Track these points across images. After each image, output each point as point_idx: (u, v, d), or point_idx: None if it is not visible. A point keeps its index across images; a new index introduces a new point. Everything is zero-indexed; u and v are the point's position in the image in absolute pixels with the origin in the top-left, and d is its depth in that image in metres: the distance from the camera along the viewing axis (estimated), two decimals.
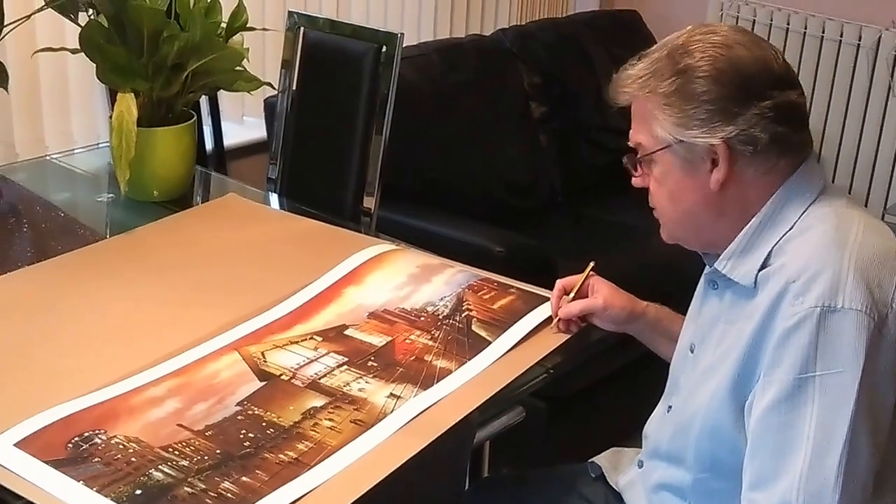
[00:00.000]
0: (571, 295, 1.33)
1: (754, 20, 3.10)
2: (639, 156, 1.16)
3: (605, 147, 2.71)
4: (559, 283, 1.35)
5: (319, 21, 1.96)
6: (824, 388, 1.01)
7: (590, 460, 1.39)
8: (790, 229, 1.10)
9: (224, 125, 2.53)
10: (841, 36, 2.95)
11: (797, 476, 1.01)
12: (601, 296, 1.32)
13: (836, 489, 1.00)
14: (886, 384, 1.03)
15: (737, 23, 3.07)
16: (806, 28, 3.01)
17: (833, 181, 3.03)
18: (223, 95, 2.52)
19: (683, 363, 1.22)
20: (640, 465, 1.28)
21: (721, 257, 1.14)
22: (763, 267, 1.09)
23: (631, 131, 1.16)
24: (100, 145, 2.06)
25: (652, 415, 1.29)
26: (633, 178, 1.19)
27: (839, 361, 1.01)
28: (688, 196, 1.12)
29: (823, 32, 2.98)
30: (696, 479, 1.17)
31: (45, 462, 1.04)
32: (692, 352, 1.20)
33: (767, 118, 1.08)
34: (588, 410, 2.20)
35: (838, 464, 1.00)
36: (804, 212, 1.10)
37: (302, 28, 1.93)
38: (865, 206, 2.97)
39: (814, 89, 3.01)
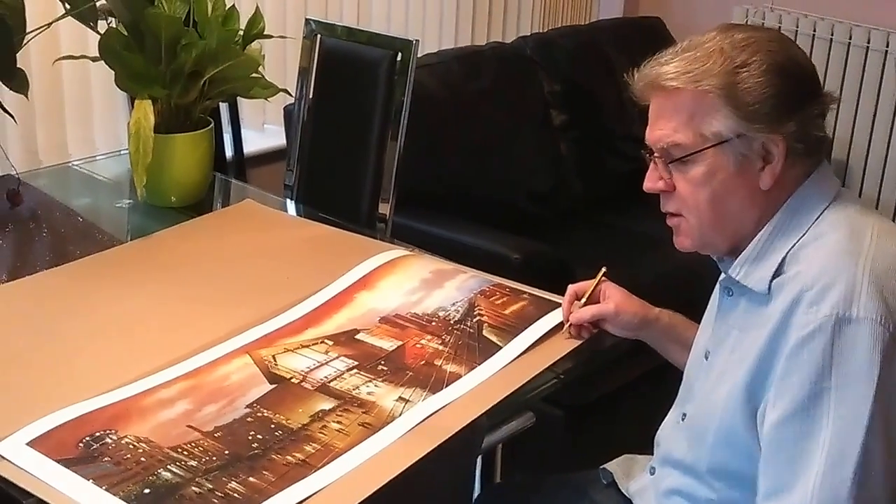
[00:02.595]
0: (583, 300, 1.33)
1: (779, 27, 3.06)
2: (679, 156, 1.09)
3: (627, 156, 2.69)
4: (571, 288, 1.34)
5: (336, 28, 1.97)
6: (839, 399, 1.00)
7: (601, 467, 1.38)
8: (803, 235, 1.08)
9: (245, 133, 2.55)
10: (868, 42, 2.91)
11: (811, 487, 1.00)
12: (613, 301, 1.31)
13: (850, 501, 0.98)
14: None
15: None
16: (832, 34, 2.97)
17: (861, 191, 2.98)
18: (244, 103, 2.54)
19: (698, 369, 1.21)
20: (652, 471, 1.27)
21: (735, 264, 1.12)
22: (777, 274, 1.08)
23: (661, 132, 1.10)
24: (121, 152, 2.07)
25: (664, 421, 1.28)
26: (654, 182, 1.13)
27: (854, 372, 1.00)
28: (734, 196, 1.09)
29: (850, 39, 2.94)
30: (708, 487, 1.15)
31: (56, 461, 1.05)
32: (706, 358, 1.19)
33: (821, 116, 1.08)
34: (608, 419, 2.18)
35: (853, 475, 0.98)
36: (818, 218, 1.09)
37: (319, 35, 1.94)
38: (895, 216, 2.93)
39: (840, 96, 2.97)
